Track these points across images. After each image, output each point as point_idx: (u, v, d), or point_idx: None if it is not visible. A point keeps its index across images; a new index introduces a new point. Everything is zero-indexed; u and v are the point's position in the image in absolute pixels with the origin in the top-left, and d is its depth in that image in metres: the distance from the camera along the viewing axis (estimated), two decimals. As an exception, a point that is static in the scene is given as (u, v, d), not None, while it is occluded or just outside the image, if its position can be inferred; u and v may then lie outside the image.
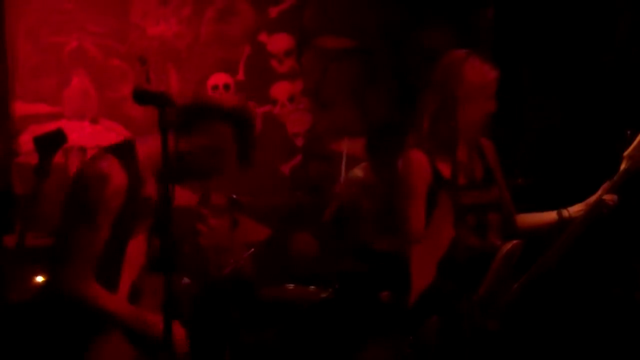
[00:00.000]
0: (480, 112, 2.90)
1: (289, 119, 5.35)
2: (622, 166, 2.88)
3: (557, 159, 4.53)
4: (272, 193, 5.04)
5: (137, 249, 2.52)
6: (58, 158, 2.79)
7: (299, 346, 4.14)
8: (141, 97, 2.32)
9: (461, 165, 2.88)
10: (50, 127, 4.71)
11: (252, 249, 4.27)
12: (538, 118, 4.72)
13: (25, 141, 4.70)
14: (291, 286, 4.45)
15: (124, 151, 2.51)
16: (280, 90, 5.33)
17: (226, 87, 5.21)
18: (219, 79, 5.19)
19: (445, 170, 2.86)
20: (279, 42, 5.29)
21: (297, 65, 5.34)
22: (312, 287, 4.39)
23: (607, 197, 2.93)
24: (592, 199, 2.95)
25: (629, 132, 2.90)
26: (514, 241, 2.85)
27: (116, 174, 2.44)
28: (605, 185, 2.94)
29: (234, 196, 4.19)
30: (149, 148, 2.51)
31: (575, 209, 3.01)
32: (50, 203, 3.07)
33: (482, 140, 3.06)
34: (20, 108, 4.75)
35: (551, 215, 3.05)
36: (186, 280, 3.79)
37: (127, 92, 4.73)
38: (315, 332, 4.15)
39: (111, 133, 4.91)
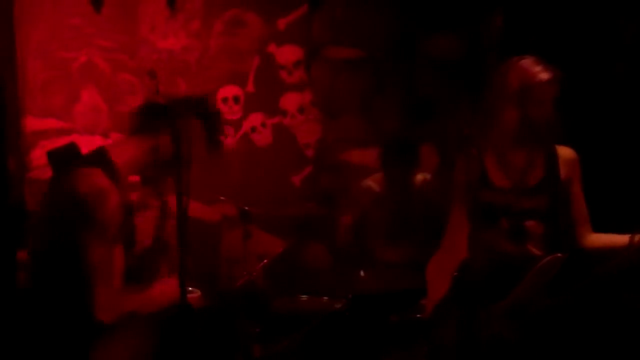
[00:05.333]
0: (528, 116, 2.84)
1: (299, 130, 5.34)
2: None
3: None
4: (283, 204, 5.02)
5: (117, 256, 2.51)
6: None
7: (313, 358, 4.11)
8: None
9: (508, 168, 2.84)
10: (60, 142, 4.76)
11: (265, 261, 4.26)
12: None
13: (37, 156, 4.70)
14: (304, 297, 4.43)
15: (101, 161, 2.48)
16: (290, 101, 5.32)
17: (236, 99, 5.20)
18: (229, 91, 5.19)
19: (493, 171, 2.85)
20: (288, 53, 5.29)
21: (306, 76, 5.34)
22: (326, 298, 4.37)
23: None
24: None
25: None
26: (557, 255, 2.75)
27: (109, 186, 2.41)
28: None
29: (246, 208, 4.18)
30: (123, 154, 2.51)
31: None
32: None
33: (561, 148, 2.96)
34: (31, 124, 4.75)
35: (622, 239, 2.82)
36: (197, 292, 3.77)
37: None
38: (329, 344, 4.12)
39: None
